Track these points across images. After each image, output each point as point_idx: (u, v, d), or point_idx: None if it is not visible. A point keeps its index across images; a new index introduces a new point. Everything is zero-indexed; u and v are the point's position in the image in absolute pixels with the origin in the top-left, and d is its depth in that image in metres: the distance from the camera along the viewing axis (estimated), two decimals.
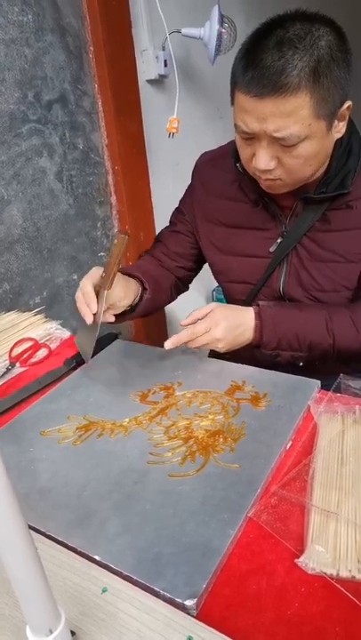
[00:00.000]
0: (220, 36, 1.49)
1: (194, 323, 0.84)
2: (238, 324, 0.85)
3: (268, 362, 0.88)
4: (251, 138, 0.75)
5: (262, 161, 0.75)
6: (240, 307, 0.88)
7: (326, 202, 0.85)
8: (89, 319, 0.81)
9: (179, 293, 1.09)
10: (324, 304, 0.90)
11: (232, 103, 0.76)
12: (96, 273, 0.84)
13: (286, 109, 0.69)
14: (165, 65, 1.63)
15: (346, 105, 0.74)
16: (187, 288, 1.11)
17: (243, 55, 0.71)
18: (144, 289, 0.88)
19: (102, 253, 1.67)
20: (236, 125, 0.76)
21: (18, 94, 1.27)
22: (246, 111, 0.72)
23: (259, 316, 0.86)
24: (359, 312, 0.85)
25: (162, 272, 1.03)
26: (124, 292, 0.84)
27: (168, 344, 0.81)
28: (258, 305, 0.87)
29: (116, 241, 0.78)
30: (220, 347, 0.84)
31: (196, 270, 1.09)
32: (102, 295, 0.81)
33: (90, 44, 1.45)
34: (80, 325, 0.87)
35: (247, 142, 0.77)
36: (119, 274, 0.85)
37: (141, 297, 0.92)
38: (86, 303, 0.82)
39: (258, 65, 0.68)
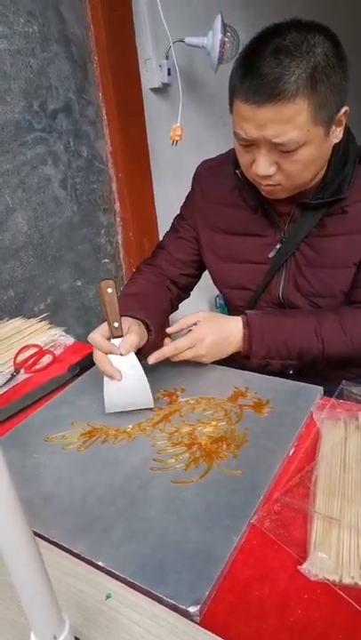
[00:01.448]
0: (222, 44, 1.51)
1: (180, 331, 0.85)
2: (224, 337, 0.85)
3: (258, 371, 0.87)
4: (250, 145, 0.76)
5: (262, 167, 0.76)
6: (227, 317, 0.88)
7: (323, 208, 0.85)
8: (118, 376, 0.77)
9: (180, 302, 1.09)
10: (312, 310, 0.90)
11: (231, 111, 0.77)
12: (102, 327, 0.79)
13: (285, 116, 0.70)
14: (169, 73, 1.65)
15: (343, 110, 0.76)
16: (188, 295, 1.11)
17: (240, 64, 0.73)
18: (148, 330, 0.86)
19: (106, 260, 1.68)
20: (235, 133, 0.77)
21: (23, 103, 1.29)
22: (245, 119, 0.73)
23: (247, 324, 0.86)
24: (348, 317, 0.85)
25: (162, 292, 1.00)
26: (139, 338, 0.80)
27: (151, 359, 0.81)
28: (245, 314, 0.87)
29: (109, 290, 0.76)
30: (205, 360, 0.85)
31: (198, 277, 1.09)
32: (123, 341, 0.78)
33: (94, 54, 1.46)
34: (110, 388, 0.78)
35: (246, 149, 0.78)
36: (129, 319, 0.82)
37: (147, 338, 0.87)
38: (106, 352, 0.77)
39: (255, 73, 0.69)
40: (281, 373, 0.86)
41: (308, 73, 0.68)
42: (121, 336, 0.78)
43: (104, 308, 0.77)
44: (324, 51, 0.69)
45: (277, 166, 0.76)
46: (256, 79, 0.69)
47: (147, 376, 0.78)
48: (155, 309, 0.91)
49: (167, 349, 0.82)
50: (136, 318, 0.84)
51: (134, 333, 0.79)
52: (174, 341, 0.83)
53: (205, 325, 0.84)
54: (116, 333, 0.78)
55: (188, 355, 0.83)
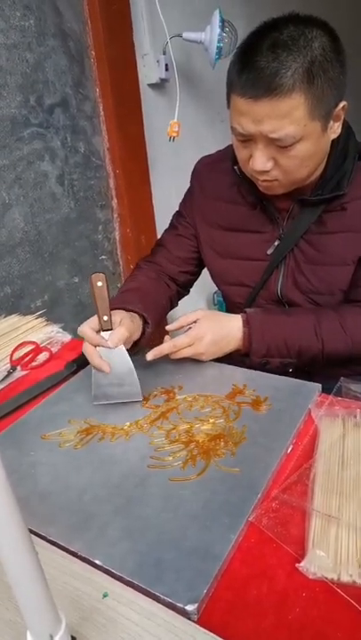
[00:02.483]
0: (220, 40, 1.50)
1: (179, 328, 0.85)
2: (223, 335, 0.85)
3: (256, 369, 0.87)
4: (247, 140, 0.76)
5: (259, 162, 0.76)
6: (227, 315, 0.88)
7: (322, 204, 0.85)
8: (106, 368, 0.77)
9: (180, 299, 1.09)
10: (312, 308, 0.90)
11: (228, 106, 0.77)
12: (92, 320, 0.80)
13: (281, 110, 0.70)
14: (166, 69, 1.64)
15: (341, 105, 0.75)
16: (187, 292, 1.11)
17: (237, 58, 0.72)
18: (146, 323, 0.86)
19: (103, 256, 1.67)
20: (232, 128, 0.76)
21: (20, 98, 1.28)
22: (242, 113, 0.73)
23: (247, 323, 0.85)
24: (347, 316, 0.85)
25: (161, 288, 1.00)
26: (129, 332, 0.80)
27: (150, 356, 0.82)
28: (245, 312, 0.87)
29: (99, 283, 0.76)
30: (204, 358, 0.85)
31: (197, 274, 1.09)
32: (113, 333, 0.78)
33: (91, 49, 1.45)
34: (98, 380, 0.79)
35: (244, 144, 0.77)
36: (122, 312, 0.83)
37: (144, 331, 0.87)
38: (95, 345, 0.78)
39: (252, 67, 0.69)
40: (280, 372, 0.86)
41: (305, 67, 0.68)
42: (111, 329, 0.78)
43: (94, 301, 0.77)
44: (322, 45, 0.69)
45: (274, 161, 0.76)
46: (253, 73, 0.69)
47: (144, 372, 0.78)
48: (154, 304, 0.91)
49: (166, 346, 0.82)
50: (134, 311, 0.84)
51: (124, 327, 0.79)
52: (173, 339, 0.83)
53: (205, 323, 0.84)
54: (105, 326, 0.78)
55: (186, 352, 0.83)
